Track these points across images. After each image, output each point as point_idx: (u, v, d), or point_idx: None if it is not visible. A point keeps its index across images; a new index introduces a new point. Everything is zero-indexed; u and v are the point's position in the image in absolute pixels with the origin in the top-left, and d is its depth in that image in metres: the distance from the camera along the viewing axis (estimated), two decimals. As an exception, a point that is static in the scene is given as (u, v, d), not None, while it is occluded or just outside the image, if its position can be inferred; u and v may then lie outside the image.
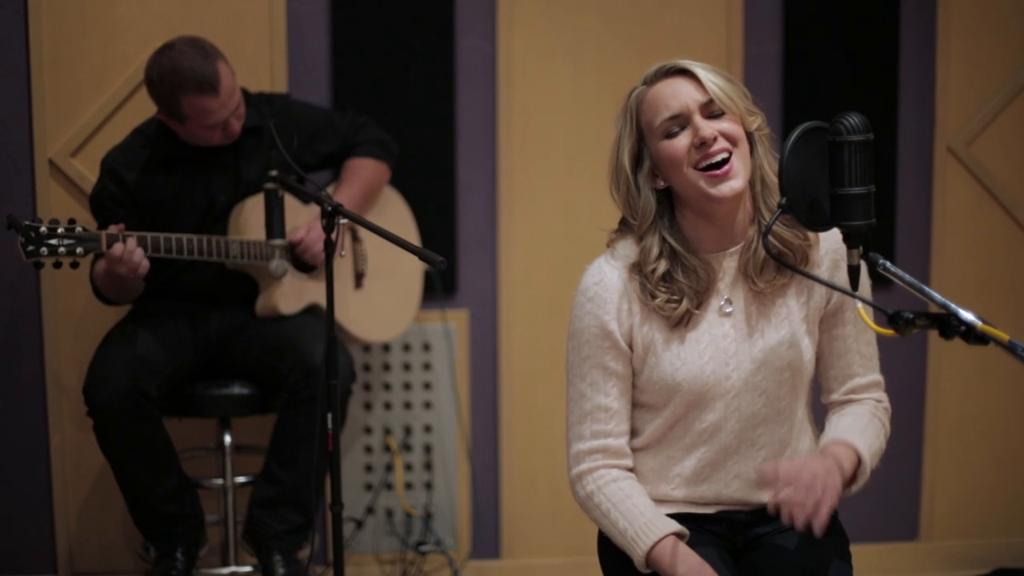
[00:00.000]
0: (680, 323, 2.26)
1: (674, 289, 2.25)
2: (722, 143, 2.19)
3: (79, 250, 3.01)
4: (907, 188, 4.01)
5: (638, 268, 2.27)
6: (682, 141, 2.21)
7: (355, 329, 3.57)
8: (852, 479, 2.22)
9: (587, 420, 2.30)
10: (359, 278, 3.59)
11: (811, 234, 2.28)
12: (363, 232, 3.58)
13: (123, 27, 3.65)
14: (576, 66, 3.87)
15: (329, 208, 2.74)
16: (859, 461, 2.22)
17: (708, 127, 2.20)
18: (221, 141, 3.32)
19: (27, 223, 2.96)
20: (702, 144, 2.19)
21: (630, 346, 2.28)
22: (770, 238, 2.24)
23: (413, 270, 3.71)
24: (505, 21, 3.83)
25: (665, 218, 2.27)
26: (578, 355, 2.30)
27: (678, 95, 2.22)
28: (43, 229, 2.97)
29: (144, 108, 3.60)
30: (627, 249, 2.30)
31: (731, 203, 2.22)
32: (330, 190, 3.53)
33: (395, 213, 3.66)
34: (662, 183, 2.26)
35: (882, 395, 2.38)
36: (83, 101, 3.65)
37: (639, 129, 2.27)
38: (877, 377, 2.37)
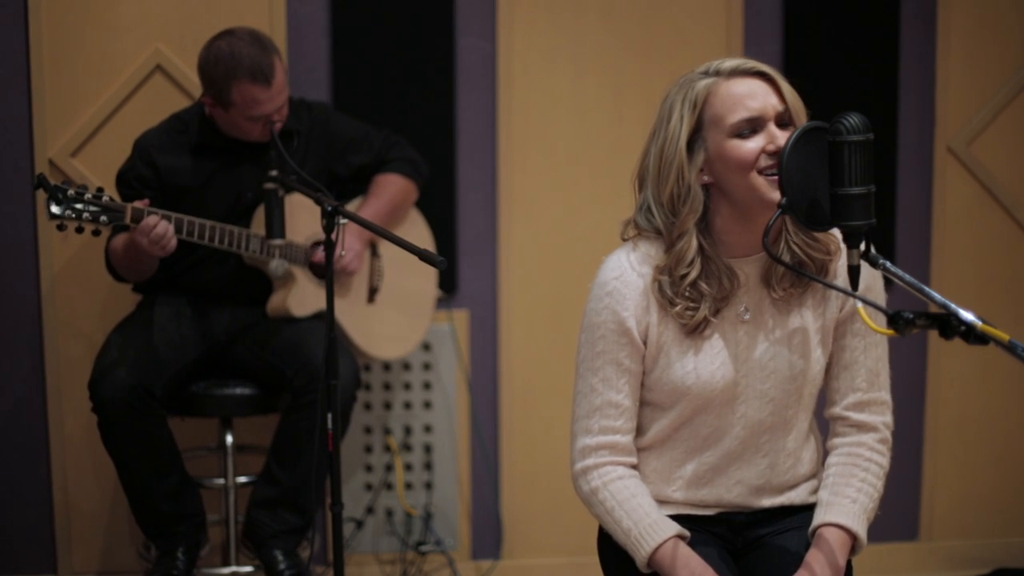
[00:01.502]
0: (696, 330, 2.24)
1: (695, 296, 2.22)
2: None
3: (103, 218, 3.01)
4: (907, 188, 4.01)
5: (665, 271, 2.23)
6: (754, 143, 2.16)
7: (361, 342, 3.57)
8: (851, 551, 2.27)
9: (596, 415, 2.28)
10: (372, 293, 3.59)
11: (832, 246, 2.26)
12: (382, 249, 3.59)
13: (123, 27, 3.65)
14: (576, 66, 3.87)
15: (329, 208, 2.74)
16: (855, 539, 2.25)
17: (782, 137, 2.15)
18: (259, 137, 3.32)
19: (56, 184, 2.96)
20: (775, 152, 2.15)
21: (644, 343, 2.27)
22: (795, 251, 2.23)
23: (427, 292, 3.71)
24: (505, 21, 3.83)
25: (702, 220, 2.22)
26: (592, 349, 2.27)
27: (756, 96, 2.17)
28: (71, 192, 2.98)
29: (144, 108, 3.60)
30: (650, 249, 2.26)
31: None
32: (357, 203, 3.54)
33: (417, 234, 3.66)
34: (706, 178, 2.21)
35: (886, 418, 2.35)
36: (83, 101, 3.65)
37: (699, 121, 2.19)
38: (882, 396, 2.34)
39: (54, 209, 2.96)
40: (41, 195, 3.07)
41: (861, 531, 2.25)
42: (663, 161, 2.21)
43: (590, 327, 2.28)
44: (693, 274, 2.21)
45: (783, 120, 2.19)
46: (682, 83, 2.22)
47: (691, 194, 2.19)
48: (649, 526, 2.22)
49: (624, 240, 2.31)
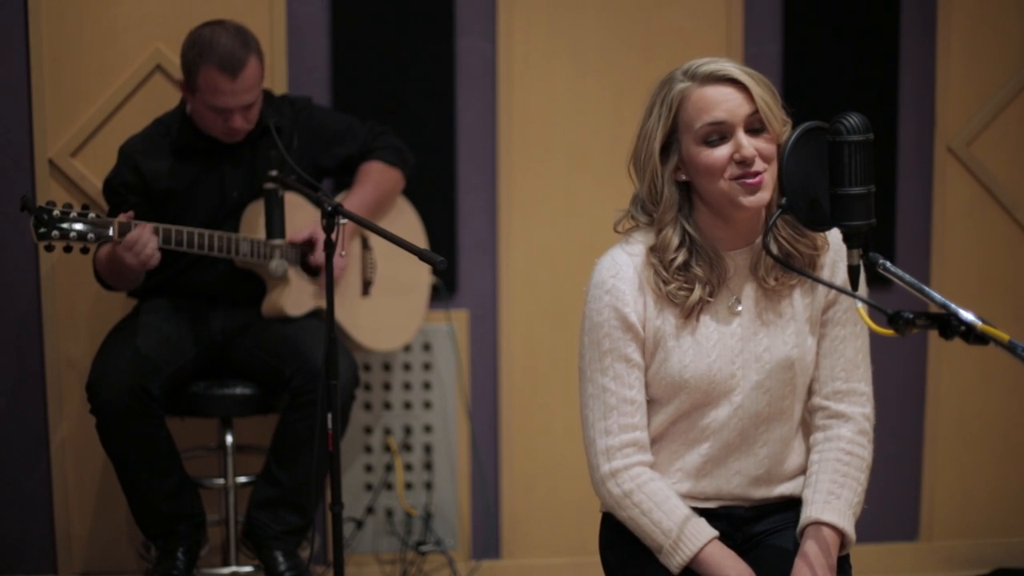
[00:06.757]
0: (692, 313, 2.25)
1: (688, 278, 2.24)
2: (759, 164, 2.18)
3: (90, 236, 3.01)
4: (907, 188, 4.01)
5: (656, 252, 2.26)
6: (722, 152, 2.19)
7: (359, 336, 3.57)
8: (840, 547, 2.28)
9: (613, 414, 2.27)
10: (367, 286, 3.59)
11: (819, 241, 2.28)
12: (373, 240, 3.59)
13: (123, 27, 3.65)
14: (576, 66, 3.87)
15: (329, 208, 2.74)
16: (844, 535, 2.26)
17: (749, 145, 2.17)
18: (222, 134, 3.32)
19: (40, 205, 2.97)
20: (742, 162, 2.17)
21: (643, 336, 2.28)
22: (783, 243, 2.25)
23: (420, 281, 3.71)
24: (505, 21, 3.83)
25: (685, 209, 2.26)
26: (598, 349, 2.27)
27: (724, 104, 2.19)
28: (56, 212, 2.98)
29: (144, 108, 3.60)
30: (643, 239, 2.28)
31: (756, 212, 2.23)
32: (342, 195, 3.54)
33: (406, 223, 3.66)
34: (683, 177, 2.25)
35: (866, 409, 2.34)
36: (83, 101, 3.65)
37: (675, 123, 2.23)
38: (860, 387, 2.34)
39: (40, 231, 2.96)
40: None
41: (848, 528, 2.26)
42: (641, 158, 2.27)
43: (592, 328, 2.28)
44: (680, 259, 2.24)
45: (753, 125, 2.20)
46: (664, 81, 2.26)
47: (663, 194, 2.25)
48: (692, 526, 2.23)
49: (617, 232, 2.33)
